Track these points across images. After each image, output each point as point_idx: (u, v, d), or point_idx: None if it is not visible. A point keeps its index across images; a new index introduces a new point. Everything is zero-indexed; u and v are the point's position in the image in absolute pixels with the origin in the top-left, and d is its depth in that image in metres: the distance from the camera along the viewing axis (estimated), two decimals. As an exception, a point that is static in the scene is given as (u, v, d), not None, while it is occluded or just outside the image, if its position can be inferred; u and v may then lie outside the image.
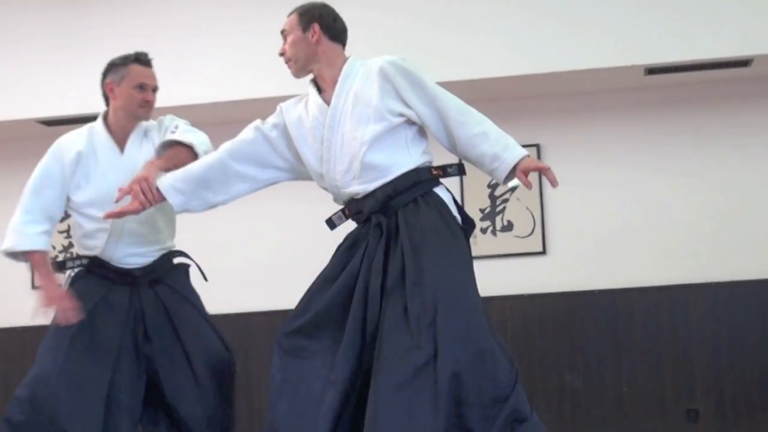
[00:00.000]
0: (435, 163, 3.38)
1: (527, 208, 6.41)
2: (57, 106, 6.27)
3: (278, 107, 3.51)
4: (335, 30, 3.41)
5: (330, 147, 3.31)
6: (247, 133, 3.51)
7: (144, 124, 3.88)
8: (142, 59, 3.80)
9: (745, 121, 6.33)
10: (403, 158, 3.28)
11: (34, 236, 3.73)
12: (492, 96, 6.33)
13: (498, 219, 6.43)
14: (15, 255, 3.79)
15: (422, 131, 3.36)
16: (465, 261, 3.24)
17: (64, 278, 3.87)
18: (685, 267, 6.23)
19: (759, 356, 6.08)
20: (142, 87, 3.77)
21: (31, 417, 3.58)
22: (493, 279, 6.15)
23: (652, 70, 6.07)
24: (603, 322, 6.22)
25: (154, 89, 3.84)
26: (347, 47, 3.51)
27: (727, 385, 6.08)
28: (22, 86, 6.33)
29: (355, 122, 3.27)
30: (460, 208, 3.36)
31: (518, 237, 6.41)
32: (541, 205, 6.40)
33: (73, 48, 6.34)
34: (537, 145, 6.40)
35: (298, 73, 3.44)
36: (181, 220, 4.05)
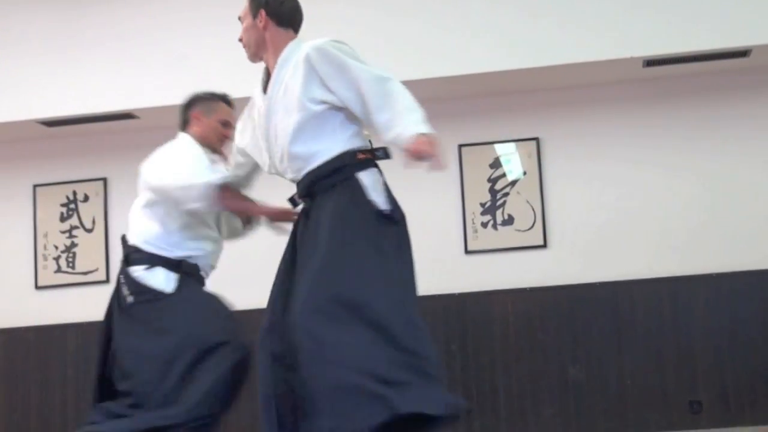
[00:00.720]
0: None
1: (528, 202, 6.42)
2: (57, 106, 6.28)
3: (251, 101, 3.56)
4: (282, 13, 3.38)
5: (267, 137, 3.36)
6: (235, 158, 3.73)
7: None
8: (227, 100, 4.12)
9: (744, 111, 6.33)
10: (327, 145, 3.27)
11: (213, 172, 3.81)
12: (491, 90, 6.34)
13: (498, 213, 6.43)
14: (201, 196, 3.73)
15: (353, 116, 3.30)
16: (367, 243, 3.17)
17: (171, 278, 3.93)
18: (686, 258, 6.23)
19: (761, 347, 6.07)
20: (226, 124, 4.05)
21: None
22: (495, 273, 6.16)
23: (650, 62, 6.07)
24: (605, 315, 6.22)
25: (233, 129, 4.00)
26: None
27: (730, 376, 6.08)
28: (23, 87, 6.34)
29: (283, 112, 3.30)
30: (388, 193, 3.29)
31: (519, 231, 6.41)
32: (541, 199, 6.39)
33: (73, 49, 6.35)
34: (536, 139, 6.41)
35: (253, 58, 3.48)
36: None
